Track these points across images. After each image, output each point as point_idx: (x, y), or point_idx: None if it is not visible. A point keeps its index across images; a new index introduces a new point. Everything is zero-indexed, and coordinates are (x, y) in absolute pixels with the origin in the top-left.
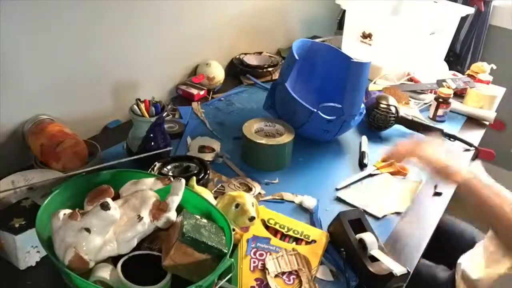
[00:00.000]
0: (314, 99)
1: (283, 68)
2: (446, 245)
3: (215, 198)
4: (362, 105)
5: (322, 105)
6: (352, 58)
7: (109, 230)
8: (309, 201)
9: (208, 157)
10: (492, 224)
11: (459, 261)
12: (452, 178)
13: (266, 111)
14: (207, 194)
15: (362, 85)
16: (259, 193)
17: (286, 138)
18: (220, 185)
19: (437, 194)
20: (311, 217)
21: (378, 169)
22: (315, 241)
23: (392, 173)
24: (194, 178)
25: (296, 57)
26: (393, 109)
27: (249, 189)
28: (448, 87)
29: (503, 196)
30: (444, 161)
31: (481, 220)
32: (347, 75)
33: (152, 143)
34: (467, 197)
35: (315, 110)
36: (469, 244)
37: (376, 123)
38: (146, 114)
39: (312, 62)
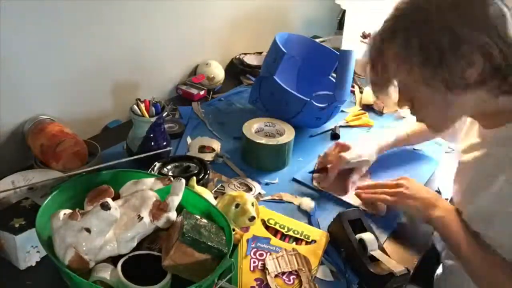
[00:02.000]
0: (296, 88)
1: (269, 62)
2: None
3: (215, 198)
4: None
5: (315, 94)
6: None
7: (109, 230)
8: (308, 203)
9: (208, 157)
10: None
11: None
12: (428, 214)
13: (252, 105)
14: (207, 194)
15: (350, 72)
16: (259, 193)
17: (286, 138)
18: (220, 185)
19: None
20: (310, 219)
21: (347, 122)
22: (315, 241)
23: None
24: (194, 178)
25: (284, 50)
26: None
27: (249, 189)
28: None
29: (468, 236)
30: (422, 199)
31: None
32: (338, 63)
33: (152, 143)
34: (439, 230)
35: (309, 99)
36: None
37: None
38: (146, 114)
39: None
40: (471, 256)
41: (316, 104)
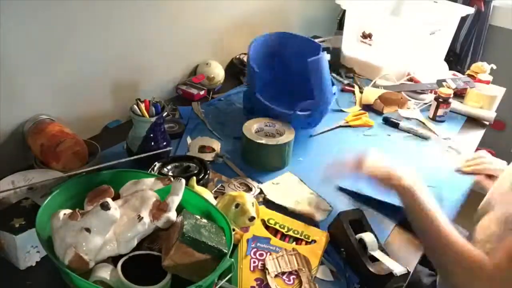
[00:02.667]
0: (290, 90)
1: (248, 79)
2: None
3: (215, 198)
4: (334, 87)
5: (297, 106)
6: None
7: (109, 230)
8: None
9: (208, 157)
10: (417, 231)
11: None
12: (393, 184)
13: (246, 116)
14: (207, 194)
15: (325, 75)
16: (259, 193)
17: (286, 138)
18: (220, 185)
19: None
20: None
21: (347, 122)
22: (315, 241)
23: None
24: (194, 178)
25: (256, 69)
26: None
27: (249, 189)
28: (448, 87)
29: (432, 209)
30: (387, 170)
31: (412, 223)
32: (310, 74)
33: (152, 143)
34: (405, 202)
35: (292, 112)
36: None
37: None
38: (146, 114)
39: (278, 53)
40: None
41: (301, 113)
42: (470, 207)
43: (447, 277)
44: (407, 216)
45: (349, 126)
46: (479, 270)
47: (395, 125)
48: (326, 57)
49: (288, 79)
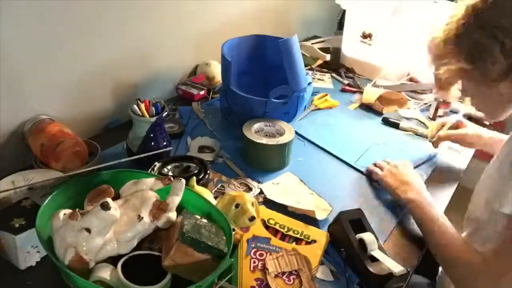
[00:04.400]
0: (262, 86)
1: (222, 74)
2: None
3: (215, 198)
4: (308, 76)
5: (272, 92)
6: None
7: (109, 230)
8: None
9: (208, 157)
10: (425, 237)
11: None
12: (399, 196)
13: (226, 119)
14: (207, 194)
15: (298, 59)
16: (259, 193)
17: (286, 138)
18: (220, 185)
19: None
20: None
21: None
22: (315, 241)
23: None
24: (194, 178)
25: (229, 58)
26: None
27: (249, 189)
28: None
29: (436, 217)
30: (397, 181)
31: (420, 228)
32: (282, 55)
33: (152, 143)
34: (412, 212)
35: (267, 99)
36: None
37: None
38: (146, 114)
39: (248, 54)
40: (438, 233)
41: (276, 101)
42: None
43: (448, 272)
44: (416, 222)
45: (319, 109)
46: (475, 266)
47: (395, 125)
48: (296, 39)
49: (262, 71)
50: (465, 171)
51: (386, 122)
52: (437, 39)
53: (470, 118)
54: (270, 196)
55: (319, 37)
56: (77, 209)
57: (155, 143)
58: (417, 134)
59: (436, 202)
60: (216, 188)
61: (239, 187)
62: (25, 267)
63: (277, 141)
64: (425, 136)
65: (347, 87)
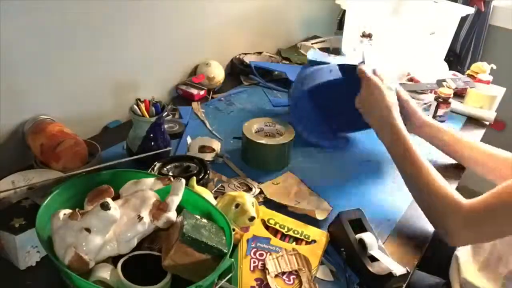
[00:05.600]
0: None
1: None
2: (438, 253)
3: (215, 198)
4: None
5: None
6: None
7: (109, 230)
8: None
9: (208, 157)
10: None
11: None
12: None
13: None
14: (207, 194)
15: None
16: (259, 193)
17: (286, 138)
18: (220, 185)
19: None
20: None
21: None
22: (315, 241)
23: None
24: (194, 178)
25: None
26: None
27: (249, 189)
28: (448, 87)
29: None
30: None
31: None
32: (347, 82)
33: (152, 143)
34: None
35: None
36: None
37: None
38: (146, 114)
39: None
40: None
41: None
42: None
43: (424, 208)
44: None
45: None
46: (456, 208)
47: None
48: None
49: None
50: (465, 171)
51: None
52: None
53: (470, 118)
54: (270, 196)
55: (319, 37)
56: (77, 209)
57: (155, 143)
58: None
59: None
60: (216, 188)
61: (239, 187)
62: (25, 267)
63: (277, 141)
64: None
65: None
